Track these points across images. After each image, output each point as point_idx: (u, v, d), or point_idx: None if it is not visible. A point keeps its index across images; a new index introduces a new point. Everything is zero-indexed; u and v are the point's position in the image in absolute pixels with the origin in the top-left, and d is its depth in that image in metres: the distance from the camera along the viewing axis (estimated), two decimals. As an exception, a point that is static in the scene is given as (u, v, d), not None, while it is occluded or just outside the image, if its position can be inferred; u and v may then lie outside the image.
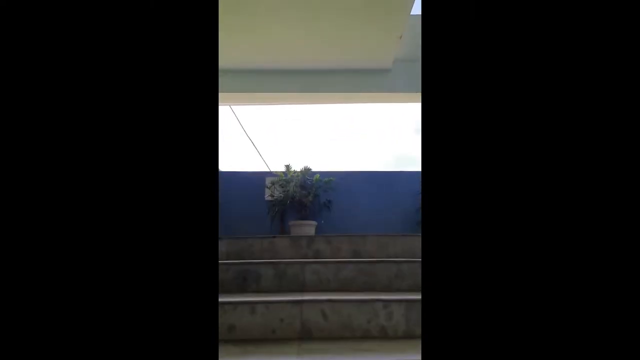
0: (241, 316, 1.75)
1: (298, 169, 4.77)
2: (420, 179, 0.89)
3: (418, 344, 1.06)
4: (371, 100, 5.23)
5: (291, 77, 4.64)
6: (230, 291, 2.13)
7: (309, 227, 4.39)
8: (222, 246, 2.54)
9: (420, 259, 1.53)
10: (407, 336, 1.71)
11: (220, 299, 1.60)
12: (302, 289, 2.15)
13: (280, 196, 4.58)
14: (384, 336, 1.73)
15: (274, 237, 2.67)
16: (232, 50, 4.13)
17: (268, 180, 4.77)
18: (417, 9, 3.89)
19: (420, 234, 1.15)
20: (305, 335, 1.73)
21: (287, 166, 4.80)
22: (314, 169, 4.82)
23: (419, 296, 1.72)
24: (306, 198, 4.50)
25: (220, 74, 1.19)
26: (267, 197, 4.69)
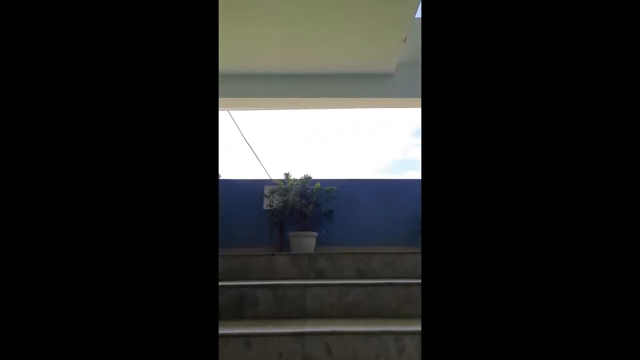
0: (235, 350, 1.57)
1: (298, 177, 4.59)
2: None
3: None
4: (373, 106, 5.07)
5: (290, 81, 4.48)
6: (224, 317, 1.96)
7: (309, 239, 4.21)
8: (217, 265, 2.37)
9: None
10: (421, 373, 1.53)
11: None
12: (304, 315, 1.97)
13: (280, 206, 4.40)
14: (395, 373, 1.55)
15: (272, 254, 2.49)
16: (230, 54, 3.97)
17: (267, 189, 4.59)
18: (422, 11, 3.72)
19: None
20: (307, 373, 1.55)
21: (287, 174, 4.62)
22: (314, 177, 4.65)
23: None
24: (306, 208, 4.32)
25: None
26: (266, 207, 4.51)
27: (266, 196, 4.56)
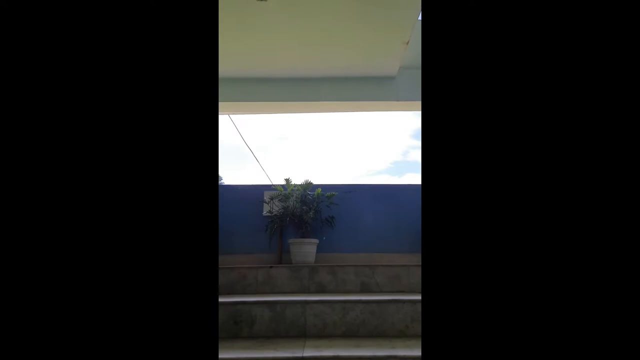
0: (230, 377, 1.45)
1: (298, 183, 4.47)
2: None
3: None
4: (374, 109, 4.96)
5: (290, 85, 4.38)
6: (219, 337, 1.84)
7: (310, 246, 4.09)
8: (213, 278, 2.25)
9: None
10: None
11: None
12: (304, 334, 1.85)
13: (280, 212, 4.28)
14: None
15: (271, 266, 2.37)
16: (230, 58, 3.86)
17: (266, 195, 4.47)
18: (426, 12, 3.61)
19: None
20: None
21: (287, 180, 4.49)
22: (315, 182, 4.52)
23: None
24: (307, 214, 4.19)
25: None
26: (266, 213, 4.39)
27: (266, 202, 4.43)
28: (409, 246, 4.10)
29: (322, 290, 2.24)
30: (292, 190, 4.36)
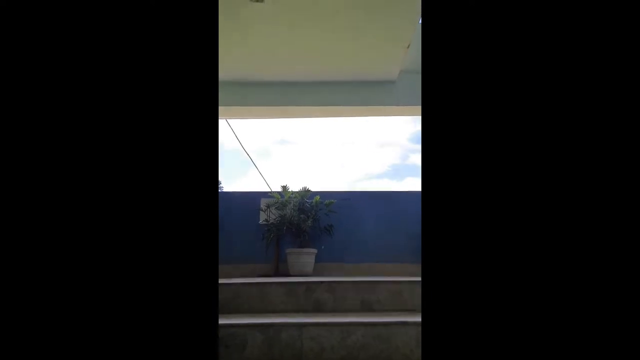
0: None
1: (296, 190, 4.32)
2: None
3: None
4: (374, 114, 4.85)
5: (288, 89, 4.25)
6: (208, 362, 1.69)
7: (308, 256, 3.94)
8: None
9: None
10: None
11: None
12: (299, 360, 1.70)
13: (277, 220, 4.14)
14: None
15: (265, 282, 2.23)
16: (229, 62, 3.74)
17: (263, 202, 4.32)
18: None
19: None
20: None
21: (284, 187, 4.35)
22: (314, 188, 4.38)
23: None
24: (305, 223, 4.05)
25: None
26: (262, 222, 4.24)
27: (262, 210, 4.29)
28: (412, 256, 3.95)
29: (319, 309, 2.10)
30: (289, 197, 4.22)
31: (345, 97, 4.25)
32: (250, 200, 4.41)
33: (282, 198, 4.25)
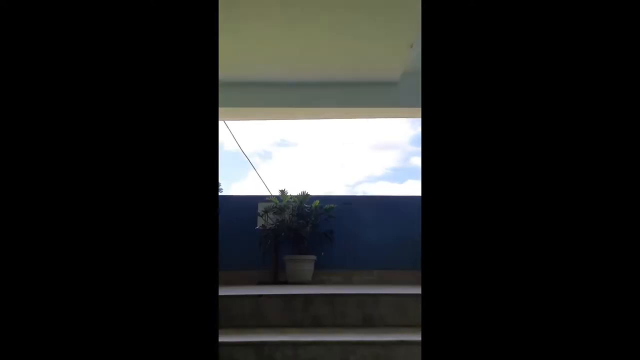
0: None
1: (294, 194, 4.19)
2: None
3: None
4: (375, 116, 4.73)
5: (288, 90, 4.13)
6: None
7: (307, 263, 3.81)
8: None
9: None
10: None
11: None
12: (295, 382, 1.58)
13: (275, 225, 4.01)
14: None
15: (260, 295, 2.10)
16: (228, 62, 3.62)
17: (260, 207, 4.19)
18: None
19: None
20: None
21: (282, 191, 4.22)
22: (313, 192, 4.25)
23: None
24: (304, 229, 3.92)
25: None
26: (259, 227, 4.11)
27: (260, 215, 4.16)
28: (414, 263, 3.82)
29: (317, 324, 1.97)
30: (287, 202, 4.09)
31: (347, 99, 4.14)
32: (248, 204, 4.28)
33: (280, 202, 4.12)
